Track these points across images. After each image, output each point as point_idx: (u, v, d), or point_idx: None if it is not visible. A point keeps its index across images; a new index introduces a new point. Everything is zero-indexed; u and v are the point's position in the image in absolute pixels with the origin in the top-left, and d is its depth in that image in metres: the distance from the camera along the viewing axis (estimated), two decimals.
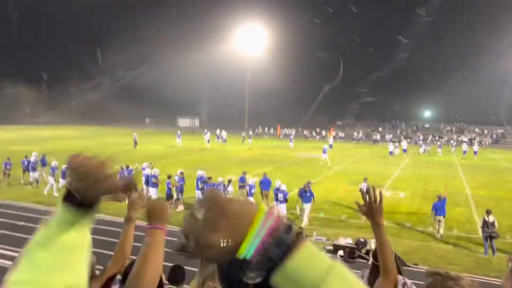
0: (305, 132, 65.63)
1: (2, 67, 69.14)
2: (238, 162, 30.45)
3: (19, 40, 76.77)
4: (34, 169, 20.09)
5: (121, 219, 13.06)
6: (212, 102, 78.40)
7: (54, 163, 19.01)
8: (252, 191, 16.58)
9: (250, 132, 49.78)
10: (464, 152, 39.31)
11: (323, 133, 63.83)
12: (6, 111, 67.16)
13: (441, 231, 14.05)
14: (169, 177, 16.93)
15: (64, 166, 18.72)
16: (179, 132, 43.84)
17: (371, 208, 2.44)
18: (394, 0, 74.80)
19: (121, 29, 78.44)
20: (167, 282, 5.08)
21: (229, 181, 17.04)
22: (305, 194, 15.09)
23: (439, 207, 14.17)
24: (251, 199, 15.77)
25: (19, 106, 73.23)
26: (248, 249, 0.73)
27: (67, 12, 79.05)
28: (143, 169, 18.20)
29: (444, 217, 14.14)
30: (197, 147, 40.13)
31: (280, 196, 15.09)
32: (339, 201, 18.48)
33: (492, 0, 70.19)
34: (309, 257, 0.74)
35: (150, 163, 19.69)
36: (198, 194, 16.58)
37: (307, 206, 15.05)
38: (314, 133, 65.17)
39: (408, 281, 3.25)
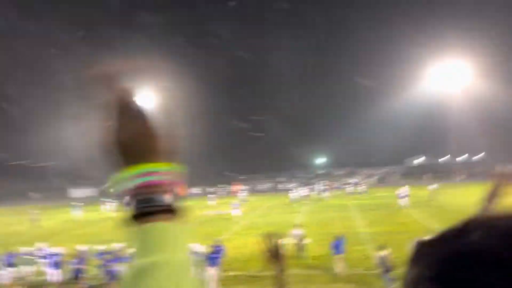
0: (210, 189, 65.21)
1: None
2: None
3: None
4: None
5: None
6: (104, 168, 74.53)
7: None
8: None
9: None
10: (353, 193, 42.52)
11: (228, 188, 64.02)
12: None
13: (339, 269, 14.88)
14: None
15: None
16: (73, 203, 40.28)
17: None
18: None
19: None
20: None
21: None
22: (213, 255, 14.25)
23: (337, 246, 15.23)
24: None
25: None
26: (131, 177, 0.74)
27: None
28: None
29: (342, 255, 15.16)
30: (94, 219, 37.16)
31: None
32: (252, 255, 18.27)
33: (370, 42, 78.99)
34: (153, 234, 0.70)
35: None
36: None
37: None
38: (219, 189, 65.04)
39: None
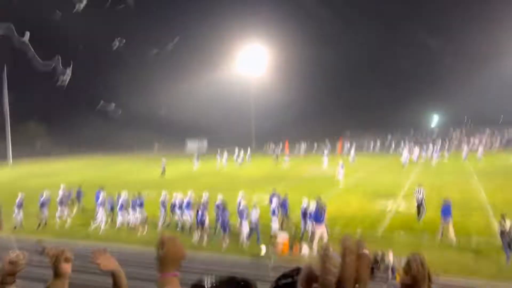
0: (313, 146, 65.38)
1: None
2: (247, 182, 30.35)
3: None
4: (62, 204, 19.76)
5: None
6: (218, 123, 78.76)
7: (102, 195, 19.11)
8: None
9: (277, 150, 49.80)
10: (480, 157, 38.66)
11: (329, 146, 63.37)
12: (18, 147, 68.02)
13: (451, 236, 14.19)
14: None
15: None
16: (196, 155, 43.97)
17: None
18: None
19: (122, 55, 79.61)
20: None
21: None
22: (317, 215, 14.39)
23: (445, 210, 14.61)
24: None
25: (29, 141, 74.20)
26: None
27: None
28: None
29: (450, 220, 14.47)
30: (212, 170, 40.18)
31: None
32: (354, 216, 18.27)
33: None
34: None
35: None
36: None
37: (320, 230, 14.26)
38: (323, 147, 64.85)
39: None
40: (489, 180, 26.84)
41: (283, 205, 16.53)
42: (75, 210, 21.49)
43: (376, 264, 11.80)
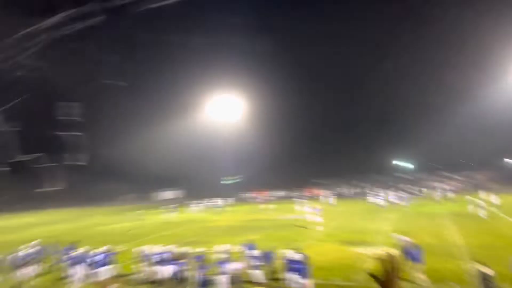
0: (287, 193, 65.34)
1: None
2: (224, 231, 29.69)
3: None
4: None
5: None
6: (192, 172, 77.98)
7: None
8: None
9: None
10: (442, 199, 39.78)
11: (304, 193, 63.60)
12: None
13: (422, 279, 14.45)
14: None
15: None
16: (172, 205, 43.06)
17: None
18: None
19: (90, 106, 78.95)
20: None
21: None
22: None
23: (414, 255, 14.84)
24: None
25: None
26: None
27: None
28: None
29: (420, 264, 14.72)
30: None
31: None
32: (330, 264, 17.86)
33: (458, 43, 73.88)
34: None
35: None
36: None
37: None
38: (296, 194, 64.87)
39: None
40: (461, 224, 27.18)
41: (266, 256, 15.96)
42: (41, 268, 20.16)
43: None
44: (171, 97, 77.17)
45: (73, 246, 20.10)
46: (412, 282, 14.49)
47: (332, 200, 44.56)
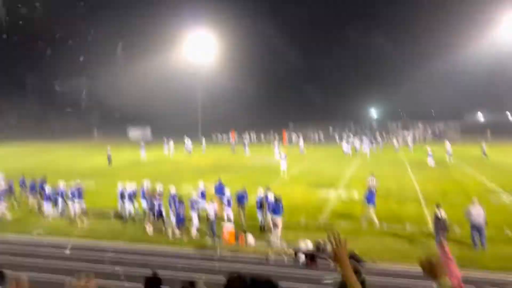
0: (259, 136, 66.07)
1: None
2: (194, 171, 30.20)
3: None
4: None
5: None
6: (163, 111, 76.87)
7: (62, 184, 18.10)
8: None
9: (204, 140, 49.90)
10: (407, 147, 41.64)
11: (277, 136, 64.48)
12: None
13: (374, 220, 15.55)
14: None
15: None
16: (142, 144, 42.43)
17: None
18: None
19: (64, 38, 75.26)
20: None
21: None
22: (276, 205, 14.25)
23: (369, 197, 15.88)
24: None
25: None
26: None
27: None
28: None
29: (374, 207, 15.78)
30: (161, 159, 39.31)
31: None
32: (297, 205, 18.74)
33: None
34: None
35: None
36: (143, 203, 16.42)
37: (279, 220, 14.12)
38: (268, 137, 65.70)
39: None
40: (420, 170, 28.73)
41: (240, 196, 16.42)
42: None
43: (318, 252, 12.27)
44: (144, 33, 74.09)
45: (43, 180, 20.06)
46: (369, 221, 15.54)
47: (304, 145, 45.56)
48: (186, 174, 28.87)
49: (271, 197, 14.97)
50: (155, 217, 15.58)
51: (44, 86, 79.08)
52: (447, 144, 34.58)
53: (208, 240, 13.87)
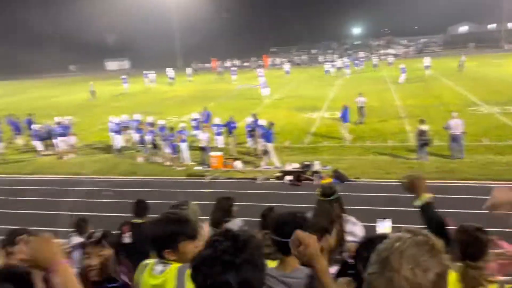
0: (240, 62, 64.79)
1: None
2: (179, 102, 29.95)
3: None
4: None
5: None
6: (139, 41, 73.87)
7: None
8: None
9: (190, 69, 48.51)
10: (390, 63, 41.53)
11: (259, 62, 63.37)
12: None
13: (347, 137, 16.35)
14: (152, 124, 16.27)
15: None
16: (124, 76, 41.07)
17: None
18: None
19: None
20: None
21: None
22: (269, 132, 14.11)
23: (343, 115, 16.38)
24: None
25: None
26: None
27: None
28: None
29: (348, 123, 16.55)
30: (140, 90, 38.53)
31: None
32: (282, 128, 18.96)
33: None
34: None
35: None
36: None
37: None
38: (249, 63, 64.57)
39: (352, 219, 3.52)
40: (402, 87, 28.96)
41: (228, 123, 16.44)
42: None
43: (302, 172, 12.69)
44: None
45: (30, 118, 19.70)
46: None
47: (287, 68, 44.94)
48: (172, 105, 28.62)
49: (262, 124, 14.93)
50: (148, 148, 15.69)
51: (13, 20, 74.45)
52: (426, 59, 34.60)
53: (198, 168, 14.13)
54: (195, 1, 67.62)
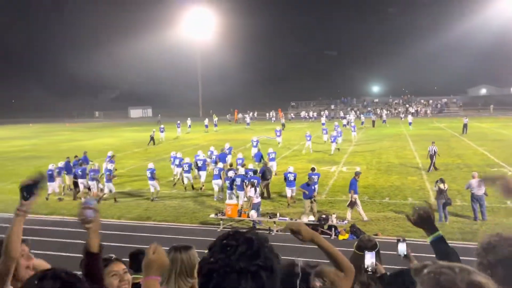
0: (261, 114, 65.90)
1: None
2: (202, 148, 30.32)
3: None
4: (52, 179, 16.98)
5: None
6: (163, 90, 76.41)
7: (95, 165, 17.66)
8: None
9: (216, 119, 49.27)
10: (410, 123, 41.32)
11: (274, 114, 64.34)
12: None
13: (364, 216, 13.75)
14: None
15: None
16: (178, 122, 41.98)
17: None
18: None
19: (64, 17, 74.47)
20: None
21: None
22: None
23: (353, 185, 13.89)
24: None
25: None
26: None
27: None
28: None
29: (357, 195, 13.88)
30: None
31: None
32: (301, 180, 18.79)
33: None
34: None
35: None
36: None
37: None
38: (269, 115, 65.58)
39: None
40: (422, 144, 28.74)
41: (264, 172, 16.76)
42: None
43: (319, 225, 12.43)
44: (143, 12, 73.13)
45: (79, 161, 19.12)
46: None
47: (303, 122, 45.59)
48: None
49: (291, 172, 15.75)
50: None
51: (46, 66, 78.57)
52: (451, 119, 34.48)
53: (212, 216, 13.99)
54: (220, 55, 70.37)
